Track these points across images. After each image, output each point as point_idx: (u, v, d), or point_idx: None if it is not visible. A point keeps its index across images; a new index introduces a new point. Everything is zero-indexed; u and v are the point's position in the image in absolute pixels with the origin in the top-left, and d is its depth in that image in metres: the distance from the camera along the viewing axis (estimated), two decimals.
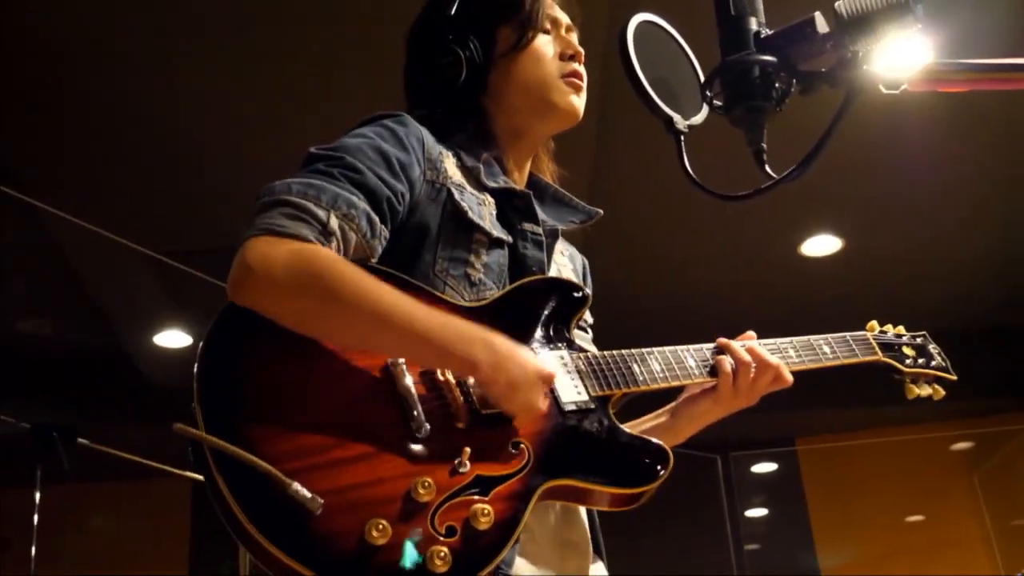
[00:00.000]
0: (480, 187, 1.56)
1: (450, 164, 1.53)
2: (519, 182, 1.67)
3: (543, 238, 1.58)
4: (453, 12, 1.63)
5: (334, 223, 1.31)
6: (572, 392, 1.42)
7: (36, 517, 3.91)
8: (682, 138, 1.36)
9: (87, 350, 5.71)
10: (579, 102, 1.64)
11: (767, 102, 1.23)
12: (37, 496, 3.88)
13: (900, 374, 1.85)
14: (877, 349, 1.81)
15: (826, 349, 1.73)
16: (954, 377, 1.90)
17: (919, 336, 1.93)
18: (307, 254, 1.27)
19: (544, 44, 1.63)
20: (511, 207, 1.57)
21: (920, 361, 1.87)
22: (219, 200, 4.25)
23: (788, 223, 5.35)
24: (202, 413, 1.18)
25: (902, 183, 4.96)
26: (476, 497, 1.24)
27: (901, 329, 1.93)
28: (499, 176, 1.59)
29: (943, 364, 1.90)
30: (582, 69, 1.65)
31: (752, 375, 1.59)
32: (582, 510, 1.50)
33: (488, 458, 1.29)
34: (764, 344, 1.66)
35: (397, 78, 1.70)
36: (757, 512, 7.54)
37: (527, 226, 1.57)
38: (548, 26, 1.65)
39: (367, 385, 1.29)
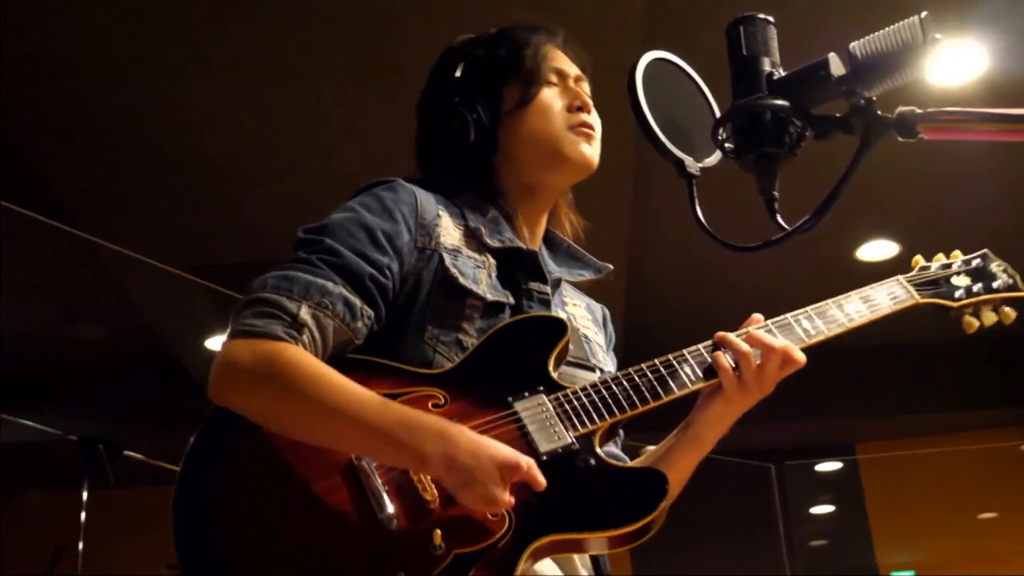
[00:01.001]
0: (481, 248, 1.52)
1: (447, 226, 1.51)
2: (530, 238, 1.63)
3: (550, 297, 1.54)
4: (458, 75, 1.61)
5: (305, 314, 1.32)
6: (551, 438, 1.36)
7: (83, 522, 3.97)
8: (694, 181, 1.32)
9: (135, 358, 5.80)
10: (590, 151, 1.59)
11: (779, 149, 1.18)
12: (84, 498, 3.94)
13: (951, 311, 1.65)
14: (913, 293, 1.62)
15: (848, 309, 1.56)
16: None
17: (976, 257, 1.70)
18: (267, 354, 1.29)
19: (550, 97, 1.59)
20: (517, 266, 1.54)
21: (977, 287, 1.65)
22: (257, 214, 4.33)
23: (844, 228, 5.24)
24: (178, 539, 1.25)
25: (959, 187, 4.83)
26: None
27: (957, 254, 1.70)
28: (505, 234, 1.55)
29: (1010, 282, 1.67)
30: (591, 119, 1.61)
31: (756, 364, 1.47)
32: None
33: (464, 533, 1.25)
34: (773, 323, 1.53)
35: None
36: (822, 509, 7.41)
37: (533, 285, 1.53)
38: (554, 79, 1.61)
39: (336, 487, 1.28)
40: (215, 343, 5.62)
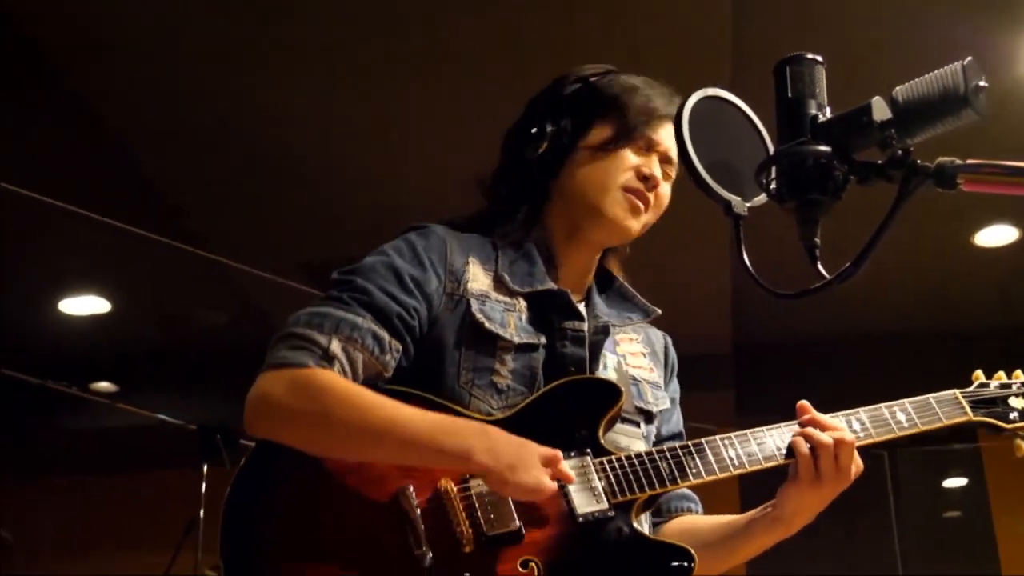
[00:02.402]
0: (511, 292, 1.55)
1: (475, 273, 1.53)
2: (571, 275, 1.64)
3: (585, 335, 1.56)
4: (566, 92, 1.63)
5: (336, 347, 1.37)
6: (590, 501, 1.40)
7: (203, 498, 4.17)
8: (741, 223, 1.31)
9: (252, 344, 6.02)
10: (630, 220, 1.59)
11: (822, 195, 1.17)
12: (203, 488, 4.14)
13: (1003, 431, 1.65)
14: (968, 409, 1.63)
15: (901, 417, 1.57)
16: None
17: None
18: (302, 379, 1.35)
19: (626, 156, 1.59)
20: (549, 306, 1.56)
21: None
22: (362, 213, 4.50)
23: (962, 213, 5.07)
24: (225, 560, 1.30)
25: None
26: None
27: (1019, 374, 1.71)
28: (537, 277, 1.57)
29: None
30: (652, 195, 1.60)
31: (833, 455, 1.48)
32: None
33: None
34: (826, 418, 1.53)
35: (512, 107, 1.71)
36: (956, 482, 7.24)
37: (567, 324, 1.55)
38: (643, 146, 1.60)
39: (376, 517, 1.33)
40: None
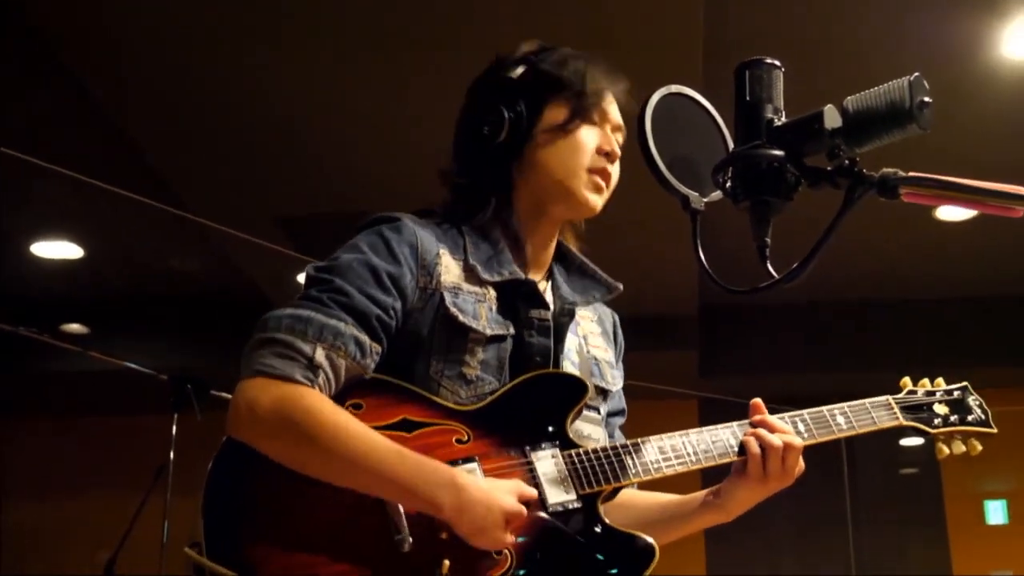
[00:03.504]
0: (481, 282, 1.58)
1: (447, 264, 1.56)
2: (538, 261, 1.68)
3: (550, 323, 1.61)
4: (515, 76, 1.65)
5: (320, 355, 1.40)
6: (559, 492, 1.48)
7: (172, 455, 4.21)
8: (698, 217, 1.37)
9: (226, 294, 6.05)
10: (597, 199, 1.63)
11: (774, 197, 1.22)
12: (174, 426, 4.16)
13: (927, 436, 1.79)
14: (899, 414, 1.76)
15: (840, 420, 1.69)
16: (994, 431, 1.81)
17: (957, 389, 1.85)
18: (289, 401, 1.37)
19: (586, 134, 1.63)
20: (517, 295, 1.60)
21: (953, 418, 1.80)
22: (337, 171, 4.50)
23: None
24: (206, 540, 1.32)
25: None
26: None
27: (940, 382, 1.85)
28: (506, 265, 1.61)
29: (982, 418, 1.82)
30: (612, 169, 1.65)
31: (779, 457, 1.58)
32: None
33: (469, 567, 1.37)
34: (773, 419, 1.63)
35: None
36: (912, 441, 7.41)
37: (533, 313, 1.59)
38: (597, 118, 1.65)
39: (356, 502, 1.37)
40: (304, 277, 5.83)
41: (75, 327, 6.58)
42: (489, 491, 1.38)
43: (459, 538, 1.38)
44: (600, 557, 1.47)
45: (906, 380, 1.84)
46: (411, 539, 1.36)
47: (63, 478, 6.97)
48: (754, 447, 1.58)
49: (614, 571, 1.45)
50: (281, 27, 3.74)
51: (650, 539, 1.48)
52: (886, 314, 6.59)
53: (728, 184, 1.25)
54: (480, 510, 1.36)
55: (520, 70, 1.65)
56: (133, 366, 4.15)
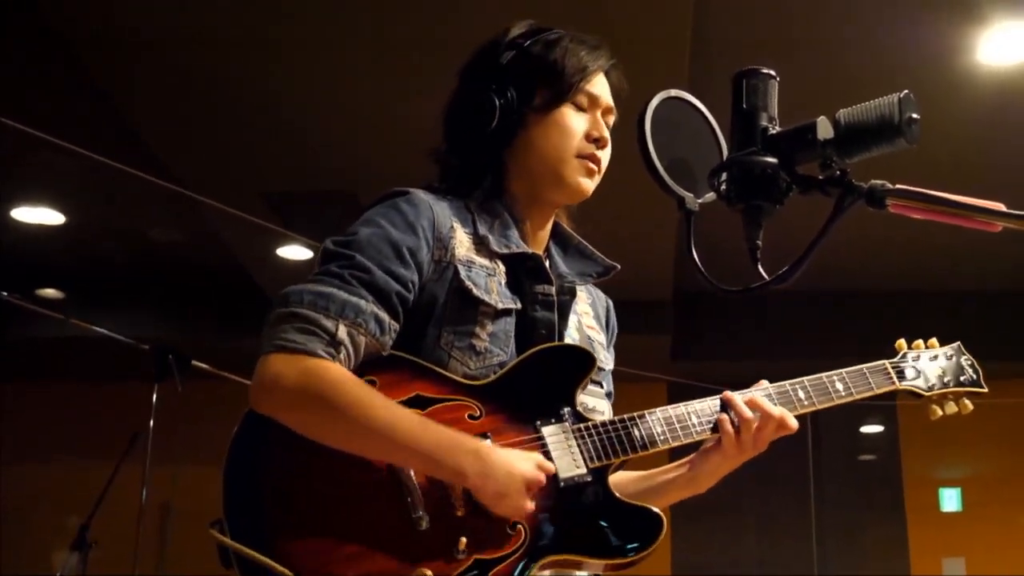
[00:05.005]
0: (491, 255, 1.61)
1: (460, 237, 1.59)
2: (536, 239, 1.71)
3: (554, 298, 1.64)
4: (504, 62, 1.67)
5: (342, 332, 1.43)
6: (570, 466, 1.52)
7: (152, 422, 4.22)
8: (692, 217, 1.43)
9: (209, 266, 6.06)
10: (588, 183, 1.66)
11: (767, 202, 1.28)
12: (155, 395, 4.17)
13: (921, 398, 1.84)
14: (895, 378, 1.80)
15: (839, 386, 1.73)
16: (985, 390, 1.85)
17: (950, 350, 1.90)
18: (314, 375, 1.40)
19: (574, 118, 1.65)
20: (523, 270, 1.63)
21: (947, 379, 1.85)
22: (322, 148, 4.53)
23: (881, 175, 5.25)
24: (228, 519, 1.37)
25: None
26: None
27: (934, 342, 1.90)
28: (512, 239, 1.64)
29: (973, 377, 1.87)
30: (602, 154, 1.68)
31: (755, 428, 1.63)
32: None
33: (486, 542, 1.42)
34: (774, 387, 1.69)
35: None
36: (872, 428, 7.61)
37: (538, 288, 1.63)
38: (585, 102, 1.67)
39: (374, 481, 1.42)
40: (286, 252, 5.86)
41: (51, 292, 6.57)
42: (510, 459, 1.43)
43: (474, 516, 1.42)
44: (612, 529, 1.51)
45: (901, 342, 1.88)
46: (428, 519, 1.40)
47: (37, 444, 6.96)
48: (728, 425, 1.63)
49: (627, 544, 1.49)
50: (272, 2, 3.76)
51: (657, 510, 1.53)
52: (858, 304, 6.71)
53: (723, 187, 1.30)
54: (502, 476, 1.40)
55: (510, 55, 1.67)
56: (116, 336, 4.16)
